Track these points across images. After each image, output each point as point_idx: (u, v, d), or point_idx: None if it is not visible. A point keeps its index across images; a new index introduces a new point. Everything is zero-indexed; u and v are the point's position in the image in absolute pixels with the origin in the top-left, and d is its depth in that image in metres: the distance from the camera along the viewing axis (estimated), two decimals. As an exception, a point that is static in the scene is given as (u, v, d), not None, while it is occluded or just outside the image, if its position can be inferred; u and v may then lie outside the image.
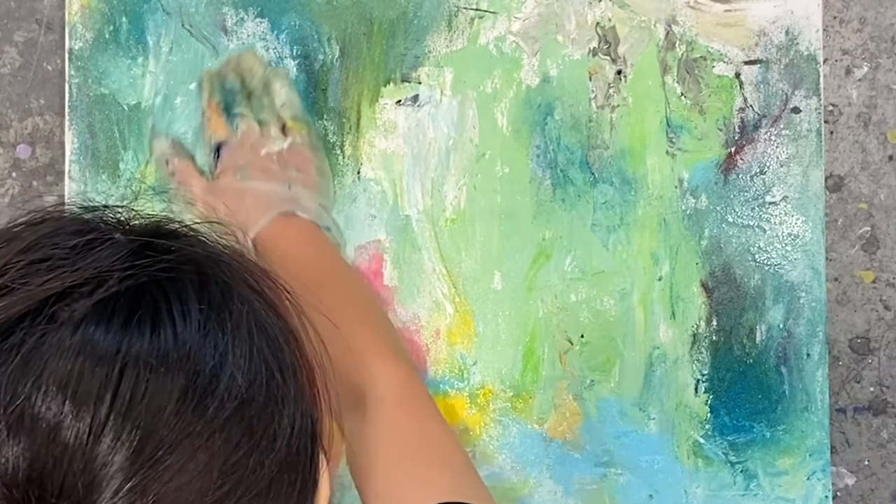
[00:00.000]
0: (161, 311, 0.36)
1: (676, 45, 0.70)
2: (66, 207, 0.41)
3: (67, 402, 0.34)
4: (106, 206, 0.40)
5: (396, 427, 0.59)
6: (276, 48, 0.70)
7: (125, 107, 0.70)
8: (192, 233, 0.41)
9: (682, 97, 0.70)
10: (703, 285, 0.69)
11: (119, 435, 0.34)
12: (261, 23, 0.70)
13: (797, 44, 0.70)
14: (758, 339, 0.69)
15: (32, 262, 0.37)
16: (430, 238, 0.69)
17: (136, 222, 0.40)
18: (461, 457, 0.59)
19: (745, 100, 0.70)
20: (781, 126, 0.70)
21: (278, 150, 0.67)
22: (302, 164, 0.67)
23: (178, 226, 0.40)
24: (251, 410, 0.37)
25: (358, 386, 0.60)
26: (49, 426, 0.34)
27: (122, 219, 0.40)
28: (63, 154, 0.70)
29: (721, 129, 0.70)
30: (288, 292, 0.41)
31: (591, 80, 0.70)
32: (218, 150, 0.67)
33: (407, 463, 0.56)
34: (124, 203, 0.40)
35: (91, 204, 0.41)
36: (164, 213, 0.42)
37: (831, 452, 0.69)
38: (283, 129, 0.68)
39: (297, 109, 0.68)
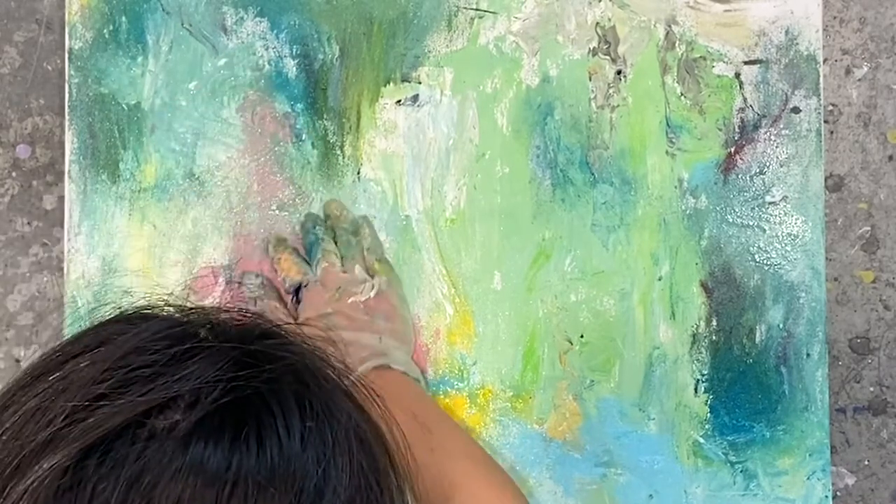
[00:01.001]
0: (266, 426, 0.35)
1: (676, 45, 0.70)
2: (155, 306, 0.40)
3: None
4: (198, 308, 0.39)
5: None
6: (275, 48, 0.70)
7: (125, 106, 0.70)
8: (287, 337, 0.40)
9: (682, 97, 0.70)
10: (703, 285, 0.69)
11: None
12: (260, 22, 0.70)
13: (797, 44, 0.70)
14: (758, 339, 0.69)
15: (132, 370, 0.35)
16: (430, 238, 0.69)
17: (230, 326, 0.38)
18: None
19: (745, 100, 0.70)
20: (781, 126, 0.70)
21: (366, 298, 0.64)
22: (388, 312, 0.65)
23: (270, 331, 0.39)
24: None
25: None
26: None
27: (215, 321, 0.38)
28: (63, 154, 0.70)
29: (721, 129, 0.70)
30: (377, 395, 0.41)
31: (590, 80, 0.70)
32: (297, 291, 0.65)
33: None
34: (215, 305, 0.39)
35: (183, 304, 0.39)
36: (254, 313, 0.41)
37: (831, 452, 0.69)
38: (367, 272, 0.65)
39: (382, 254, 0.67)
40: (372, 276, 0.66)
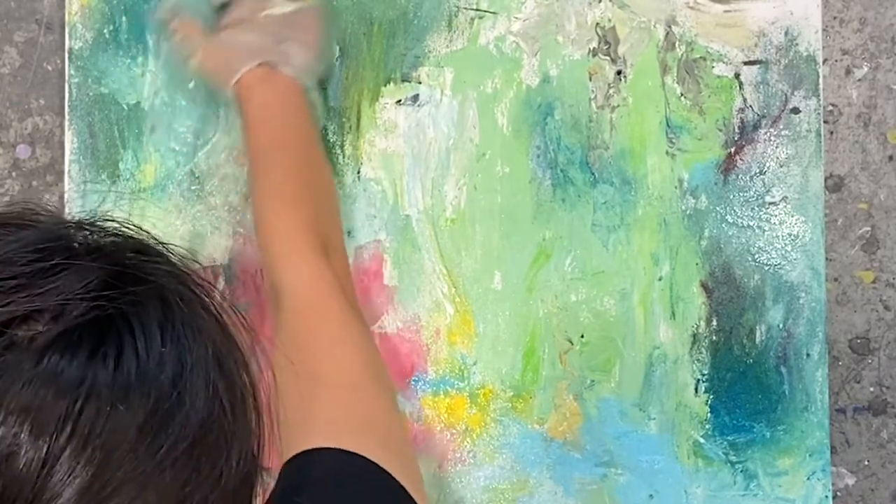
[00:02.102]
0: (125, 345, 0.36)
1: (676, 45, 0.70)
2: (31, 212, 0.39)
3: (26, 429, 0.33)
4: (75, 223, 0.39)
5: (292, 340, 0.57)
6: (276, 48, 0.70)
7: (125, 106, 0.70)
8: (159, 257, 0.40)
9: (682, 97, 0.70)
10: (703, 285, 0.69)
11: (73, 469, 0.33)
12: (261, 23, 0.70)
13: (797, 44, 0.70)
14: (758, 340, 0.69)
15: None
16: (430, 238, 0.69)
17: (105, 242, 0.38)
18: (361, 395, 0.57)
19: (745, 100, 0.70)
20: (781, 126, 0.70)
21: (280, 13, 0.66)
22: (304, 27, 0.66)
23: (144, 248, 0.39)
24: (201, 449, 0.36)
25: (274, 284, 0.59)
26: (3, 453, 0.33)
27: (91, 239, 0.38)
28: (63, 154, 0.70)
29: (721, 130, 0.70)
30: (245, 320, 0.41)
31: (591, 80, 0.70)
32: (223, 7, 0.67)
33: (293, 395, 0.53)
34: (96, 215, 0.39)
35: (58, 217, 0.39)
36: (132, 227, 0.41)
37: (831, 452, 0.69)
38: None
39: None
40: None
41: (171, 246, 0.41)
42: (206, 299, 0.40)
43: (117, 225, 0.40)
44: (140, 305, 0.37)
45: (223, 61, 0.65)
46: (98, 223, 0.39)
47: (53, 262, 0.36)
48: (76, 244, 0.37)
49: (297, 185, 0.63)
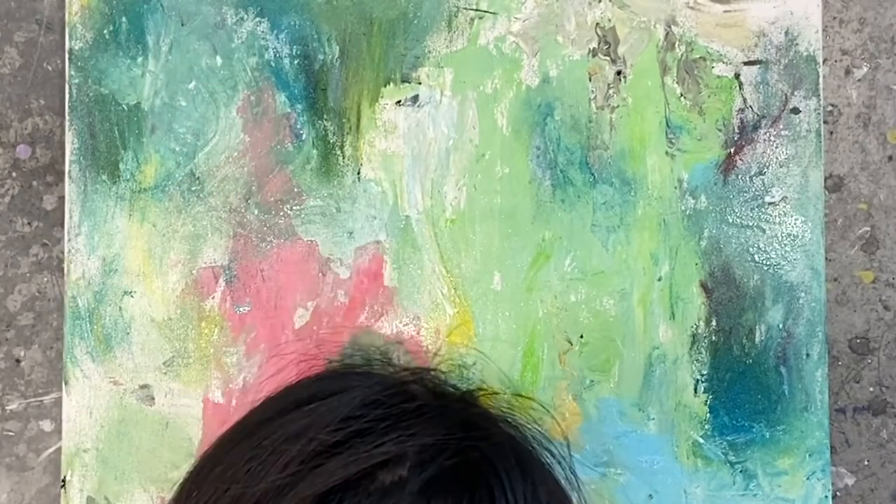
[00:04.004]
0: (495, 488, 0.36)
1: (676, 45, 0.70)
2: (375, 368, 0.41)
3: None
4: (411, 368, 0.40)
5: None
6: (275, 48, 0.70)
7: (125, 107, 0.70)
8: (505, 406, 0.41)
9: (682, 98, 0.70)
10: (703, 285, 0.69)
11: None
12: (261, 22, 0.70)
13: (797, 44, 0.70)
14: (757, 340, 0.69)
15: (368, 421, 0.36)
16: (430, 238, 0.69)
17: (446, 390, 0.40)
18: None
19: (745, 100, 0.70)
20: (781, 126, 0.70)
21: None
22: None
23: (479, 397, 0.41)
24: None
25: None
26: None
27: (432, 385, 0.39)
28: (63, 154, 0.70)
29: (720, 130, 0.70)
30: (571, 467, 0.43)
31: (590, 80, 0.70)
32: None
33: None
34: (432, 367, 0.41)
35: (405, 366, 0.41)
36: (476, 382, 0.43)
37: (831, 452, 0.69)
38: None
39: None
40: None
41: (500, 394, 0.44)
42: (542, 444, 0.42)
43: (442, 378, 0.41)
44: (500, 448, 0.37)
45: None
46: (427, 374, 0.40)
47: (416, 406, 0.36)
48: (419, 390, 0.38)
49: None
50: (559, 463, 0.43)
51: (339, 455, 0.35)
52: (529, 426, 0.43)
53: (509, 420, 0.42)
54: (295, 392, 0.40)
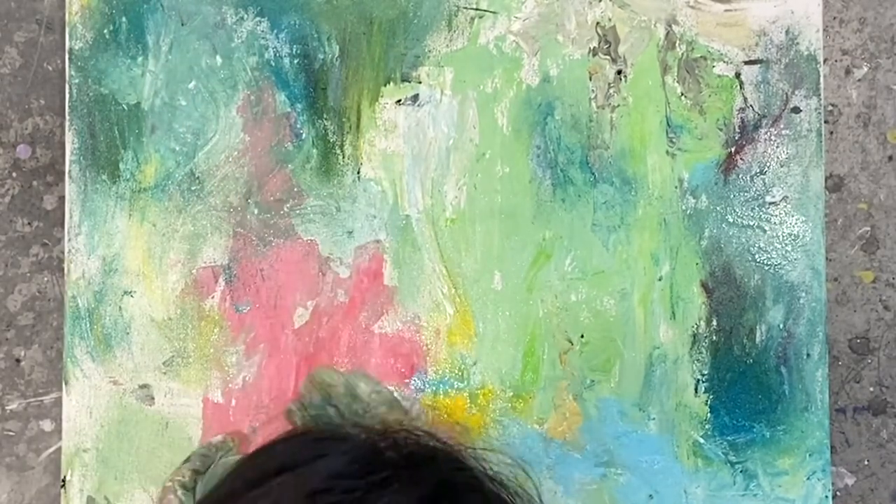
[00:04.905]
0: None
1: (676, 44, 0.70)
2: (341, 430, 0.41)
3: None
4: (380, 430, 0.40)
5: None
6: (275, 47, 0.70)
7: (125, 107, 0.70)
8: (472, 467, 0.41)
9: (683, 97, 0.70)
10: (703, 285, 0.69)
11: None
12: (260, 22, 0.70)
13: (797, 44, 0.70)
14: (758, 340, 0.69)
15: (335, 493, 0.36)
16: (430, 238, 0.69)
17: (416, 452, 0.40)
18: None
19: (746, 100, 0.70)
20: (781, 126, 0.70)
21: None
22: None
23: (456, 458, 0.41)
24: None
25: None
26: None
27: (403, 450, 0.39)
28: (63, 154, 0.70)
29: (721, 129, 0.70)
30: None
31: (591, 79, 0.70)
32: None
33: None
34: (404, 428, 0.41)
35: (364, 424, 0.41)
36: (425, 432, 0.42)
37: (831, 452, 0.69)
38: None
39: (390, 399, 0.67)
40: None
41: (481, 451, 0.44)
42: (507, 494, 0.42)
43: (416, 436, 0.41)
44: None
45: None
46: (400, 434, 0.40)
47: (385, 476, 0.36)
48: (391, 455, 0.38)
49: None
50: None
51: None
52: (513, 482, 0.42)
53: (491, 476, 0.41)
54: (263, 461, 0.39)
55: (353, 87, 0.70)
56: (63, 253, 0.70)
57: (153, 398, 0.69)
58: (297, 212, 0.70)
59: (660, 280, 0.69)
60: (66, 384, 0.69)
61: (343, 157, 0.70)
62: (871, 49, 0.71)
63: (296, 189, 0.70)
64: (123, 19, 0.70)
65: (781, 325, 0.69)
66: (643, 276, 0.69)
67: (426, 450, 0.41)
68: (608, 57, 0.70)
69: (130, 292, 0.70)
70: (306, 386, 0.67)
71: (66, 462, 0.69)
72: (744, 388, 0.69)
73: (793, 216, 0.69)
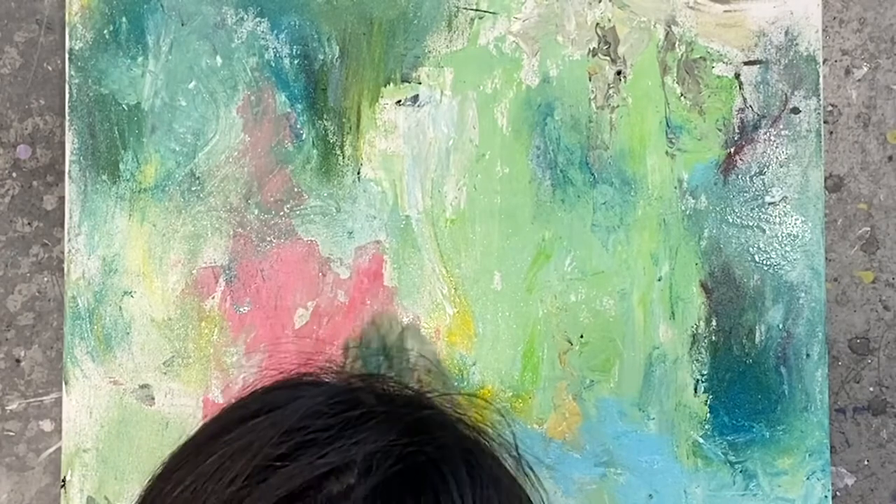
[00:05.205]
0: (442, 493, 0.36)
1: (676, 45, 0.70)
2: (322, 374, 0.41)
3: None
4: (360, 376, 0.40)
5: None
6: (275, 48, 0.70)
7: (125, 107, 0.70)
8: (453, 409, 0.41)
9: (682, 97, 0.70)
10: (703, 285, 0.69)
11: None
12: (260, 22, 0.70)
13: (797, 44, 0.70)
14: (757, 340, 0.69)
15: (310, 432, 0.36)
16: (430, 238, 0.69)
17: (395, 394, 0.40)
18: None
19: (745, 100, 0.70)
20: (781, 126, 0.70)
21: None
22: None
23: (429, 402, 0.41)
24: None
25: None
26: None
27: (379, 389, 0.39)
28: (63, 154, 0.70)
29: (721, 130, 0.70)
30: (525, 461, 0.42)
31: (590, 80, 0.70)
32: None
33: None
34: (385, 373, 0.41)
35: (343, 371, 0.41)
36: (418, 385, 0.43)
37: (831, 452, 0.69)
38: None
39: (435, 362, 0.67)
40: None
41: (454, 396, 0.44)
42: (492, 446, 0.42)
43: (394, 383, 0.41)
44: (446, 452, 0.37)
45: None
46: (381, 378, 0.41)
47: (360, 413, 0.37)
48: (369, 397, 0.38)
49: None
50: (517, 460, 0.42)
51: (284, 468, 0.35)
52: (485, 425, 0.42)
53: (465, 421, 0.41)
54: (241, 407, 0.40)
55: (353, 87, 0.70)
56: (63, 253, 0.70)
57: (153, 398, 0.69)
58: (298, 212, 0.70)
59: (659, 280, 0.69)
60: (66, 384, 0.69)
61: (343, 158, 0.70)
62: (870, 49, 0.71)
63: (296, 189, 0.70)
64: (123, 19, 0.70)
65: (781, 326, 0.69)
66: (642, 276, 0.69)
67: (403, 392, 0.41)
68: (608, 57, 0.70)
69: (130, 292, 0.70)
70: (367, 329, 0.67)
71: (66, 462, 0.69)
72: (743, 388, 0.69)
73: (792, 216, 0.69)
